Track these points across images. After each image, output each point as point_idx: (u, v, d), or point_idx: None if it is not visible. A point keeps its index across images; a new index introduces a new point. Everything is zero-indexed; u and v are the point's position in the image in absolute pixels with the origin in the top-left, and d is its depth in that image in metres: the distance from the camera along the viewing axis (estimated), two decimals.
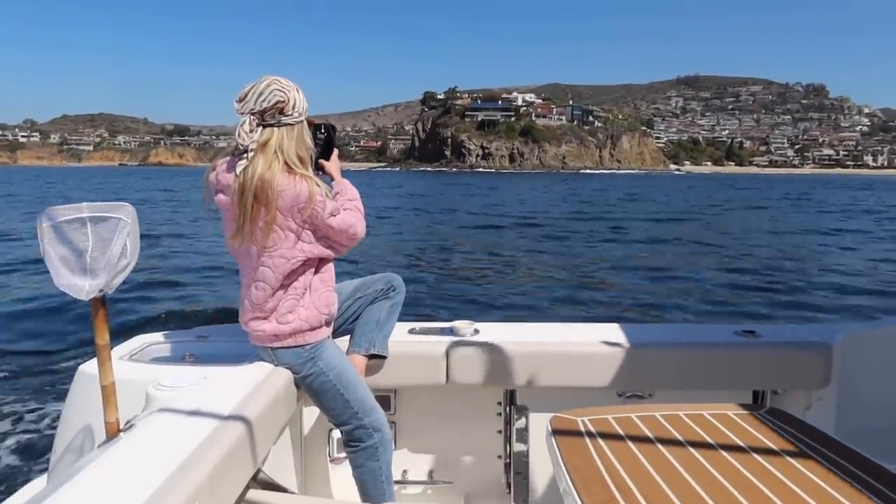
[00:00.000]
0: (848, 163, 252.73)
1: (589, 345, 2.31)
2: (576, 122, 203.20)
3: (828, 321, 8.12)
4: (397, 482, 2.36)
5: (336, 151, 2.14)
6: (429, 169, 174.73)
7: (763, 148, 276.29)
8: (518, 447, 2.38)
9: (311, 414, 2.38)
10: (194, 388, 1.76)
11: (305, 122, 1.94)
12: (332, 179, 2.13)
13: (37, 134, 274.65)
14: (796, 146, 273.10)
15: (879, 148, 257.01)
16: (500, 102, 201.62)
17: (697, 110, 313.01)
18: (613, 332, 2.42)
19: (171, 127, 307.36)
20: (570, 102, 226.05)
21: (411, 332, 2.42)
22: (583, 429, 1.53)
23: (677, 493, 1.23)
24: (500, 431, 2.46)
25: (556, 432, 1.51)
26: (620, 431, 1.51)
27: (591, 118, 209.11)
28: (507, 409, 2.42)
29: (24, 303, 8.86)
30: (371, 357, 2.23)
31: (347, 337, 2.27)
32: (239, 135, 1.84)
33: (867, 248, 16.93)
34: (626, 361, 2.26)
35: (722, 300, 9.76)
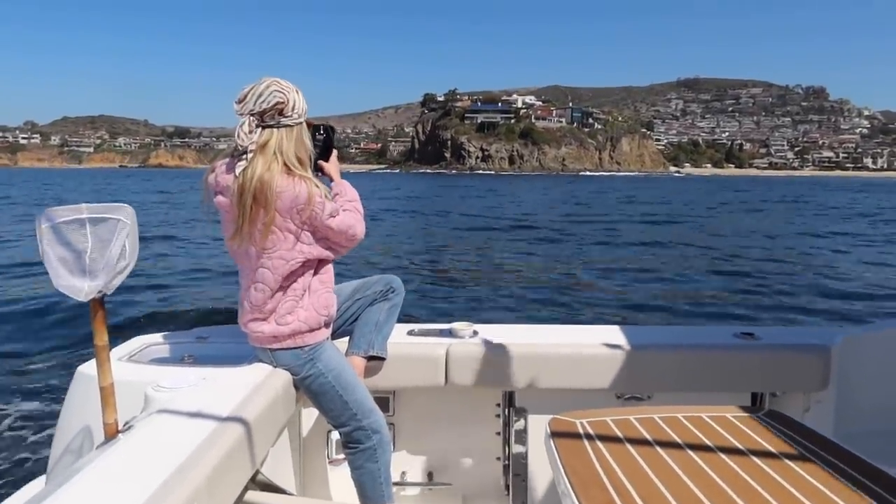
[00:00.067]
0: (848, 165, 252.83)
1: (588, 347, 2.31)
2: (575, 125, 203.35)
3: (827, 324, 8.12)
4: (396, 484, 2.36)
5: (335, 152, 2.14)
6: (428, 171, 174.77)
7: (763, 150, 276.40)
8: (517, 449, 2.38)
9: (310, 415, 2.38)
10: (193, 389, 1.76)
11: (305, 124, 1.94)
12: (332, 180, 2.13)
13: (37, 136, 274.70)
14: (796, 148, 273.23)
15: (879, 150, 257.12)
16: (499, 104, 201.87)
17: (697, 112, 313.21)
18: (612, 333, 2.42)
19: (171, 129, 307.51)
20: (570, 104, 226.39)
21: (410, 333, 2.42)
22: (581, 431, 1.53)
23: (675, 496, 1.23)
24: (498, 433, 2.46)
25: (555, 434, 1.51)
26: (619, 434, 1.51)
27: (590, 120, 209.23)
28: (506, 410, 2.42)
29: (22, 304, 8.86)
30: (370, 358, 2.23)
31: (346, 338, 2.27)
32: (238, 136, 1.84)
33: (867, 250, 16.94)
34: (625, 363, 2.26)
35: (721, 302, 9.76)
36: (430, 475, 2.47)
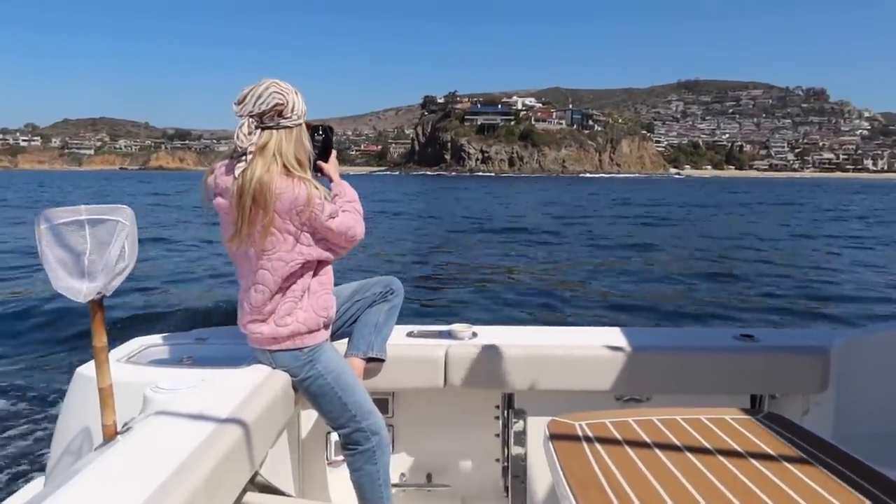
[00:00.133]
0: (848, 167, 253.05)
1: (587, 348, 2.31)
2: (575, 126, 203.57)
3: (826, 326, 8.12)
4: (395, 485, 2.36)
5: (334, 153, 2.14)
6: (429, 173, 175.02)
7: (763, 152, 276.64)
8: (516, 451, 2.38)
9: (309, 417, 2.37)
10: (192, 390, 1.76)
11: (304, 125, 1.94)
12: (331, 181, 2.13)
13: (38, 138, 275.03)
14: (796, 150, 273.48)
15: (879, 152, 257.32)
16: (499, 106, 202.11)
17: (698, 114, 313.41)
18: (611, 335, 2.41)
19: (172, 131, 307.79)
20: (571, 106, 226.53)
21: (409, 335, 2.42)
22: (580, 433, 1.52)
23: (674, 498, 1.23)
24: (497, 435, 2.46)
25: (554, 436, 1.51)
26: (618, 436, 1.51)
27: (590, 122, 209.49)
28: (505, 412, 2.42)
29: (20, 305, 8.86)
30: (369, 360, 2.22)
31: (346, 340, 2.27)
32: (237, 137, 1.84)
33: (866, 252, 16.94)
34: (625, 365, 2.26)
35: (720, 304, 9.75)
36: (429, 477, 2.47)
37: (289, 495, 2.01)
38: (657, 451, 1.43)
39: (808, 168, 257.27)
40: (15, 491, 2.17)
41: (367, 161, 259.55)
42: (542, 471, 2.31)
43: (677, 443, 1.47)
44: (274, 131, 1.85)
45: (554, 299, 9.94)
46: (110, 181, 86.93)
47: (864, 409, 2.32)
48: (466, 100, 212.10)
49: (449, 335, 2.40)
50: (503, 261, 14.51)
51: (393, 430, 2.41)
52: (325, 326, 2.05)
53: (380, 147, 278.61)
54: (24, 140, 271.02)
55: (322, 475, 2.42)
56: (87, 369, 2.04)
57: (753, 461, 1.38)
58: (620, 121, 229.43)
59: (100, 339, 1.60)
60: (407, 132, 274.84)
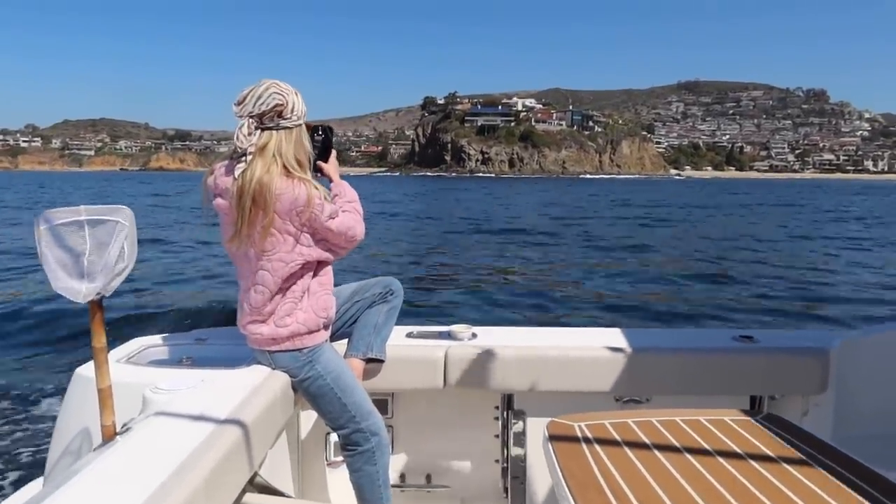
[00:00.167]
0: (848, 168, 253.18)
1: (587, 349, 2.31)
2: (575, 127, 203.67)
3: (825, 327, 8.12)
4: (394, 486, 2.35)
5: (334, 153, 2.13)
6: (429, 174, 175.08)
7: (764, 153, 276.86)
8: (515, 451, 2.38)
9: (309, 418, 2.37)
10: (191, 391, 1.76)
11: (304, 126, 1.94)
12: (331, 181, 2.13)
13: (38, 139, 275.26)
14: (797, 151, 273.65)
15: (880, 153, 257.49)
16: (499, 107, 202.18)
17: (698, 115, 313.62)
18: (611, 336, 2.41)
19: (172, 132, 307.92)
20: (571, 107, 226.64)
21: (409, 335, 2.42)
22: (579, 434, 1.52)
23: (673, 499, 1.23)
24: (497, 436, 2.46)
25: (553, 437, 1.51)
26: (617, 437, 1.51)
27: (590, 123, 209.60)
28: (505, 413, 2.42)
29: (19, 305, 8.87)
30: (369, 361, 2.22)
31: (345, 341, 2.27)
32: (237, 138, 1.84)
33: (866, 253, 16.94)
34: (624, 366, 2.26)
35: (719, 305, 9.75)
36: (428, 477, 2.47)
37: (288, 496, 2.01)
38: (656, 452, 1.43)
39: (808, 169, 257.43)
40: (14, 491, 2.17)
41: (367, 162, 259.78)
42: (541, 472, 2.31)
43: (676, 444, 1.47)
44: (274, 132, 1.85)
45: (553, 300, 9.94)
46: (110, 182, 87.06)
47: (863, 410, 2.32)
48: (466, 101, 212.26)
49: (448, 336, 2.39)
50: (502, 262, 14.52)
51: (392, 431, 2.41)
52: (325, 327, 2.05)
53: (380, 148, 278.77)
54: (24, 141, 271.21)
55: (321, 476, 2.42)
56: (87, 370, 2.04)
57: (752, 462, 1.38)
58: (621, 122, 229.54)
59: (99, 339, 1.60)
60: (407, 133, 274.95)
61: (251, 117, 1.84)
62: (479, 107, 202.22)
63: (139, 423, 1.62)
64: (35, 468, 3.93)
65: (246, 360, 2.04)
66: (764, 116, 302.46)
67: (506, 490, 2.41)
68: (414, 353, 2.30)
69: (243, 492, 1.65)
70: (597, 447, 1.45)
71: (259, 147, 1.83)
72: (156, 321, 7.89)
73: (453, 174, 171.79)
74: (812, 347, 2.31)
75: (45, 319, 7.98)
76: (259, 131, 1.85)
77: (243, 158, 1.84)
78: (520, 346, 2.32)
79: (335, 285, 2.14)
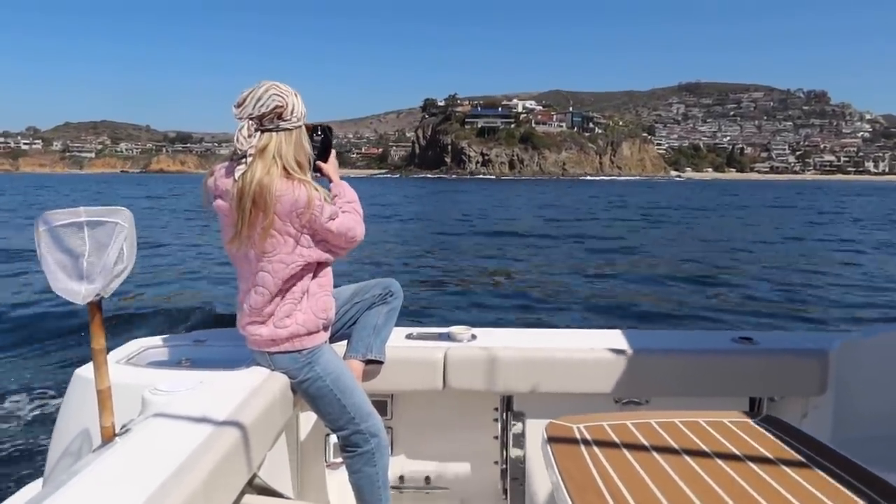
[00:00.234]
0: (849, 169, 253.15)
1: (586, 351, 2.31)
2: (576, 129, 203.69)
3: (825, 328, 8.11)
4: (394, 488, 2.35)
5: (333, 153, 2.13)
6: (429, 175, 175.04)
7: (764, 154, 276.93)
8: (515, 453, 2.38)
9: (308, 419, 2.37)
10: (190, 392, 1.76)
11: (304, 127, 1.94)
12: (330, 181, 2.13)
13: (39, 141, 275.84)
14: (798, 152, 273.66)
15: (881, 154, 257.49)
16: (500, 109, 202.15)
17: (699, 117, 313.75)
18: (611, 338, 2.41)
19: (173, 134, 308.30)
20: (572, 109, 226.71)
21: (409, 337, 2.42)
22: (578, 436, 1.52)
23: (671, 501, 1.23)
24: (496, 437, 2.46)
25: (552, 439, 1.51)
26: (615, 439, 1.51)
27: (591, 125, 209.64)
28: (504, 414, 2.42)
29: (19, 306, 8.88)
30: (368, 362, 2.22)
31: (345, 342, 2.27)
32: (237, 140, 1.84)
33: (866, 255, 16.93)
34: (624, 368, 2.26)
35: (718, 307, 9.75)
36: (427, 479, 2.47)
37: (287, 497, 2.01)
38: (655, 454, 1.43)
39: (809, 170, 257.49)
40: (13, 492, 2.17)
41: (367, 164, 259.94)
42: (540, 473, 2.31)
43: (675, 446, 1.47)
44: (274, 134, 1.86)
45: (551, 301, 9.95)
46: (111, 185, 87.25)
47: (862, 411, 2.32)
48: (467, 102, 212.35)
49: (448, 337, 2.40)
50: (501, 264, 14.54)
51: (392, 433, 2.41)
52: (325, 328, 2.05)
53: (381, 150, 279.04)
54: (25, 143, 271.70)
55: (321, 477, 2.42)
56: (86, 371, 2.04)
57: (751, 464, 1.38)
58: (621, 123, 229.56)
59: (98, 340, 1.60)
60: (408, 135, 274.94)
61: (251, 119, 1.84)
62: (480, 108, 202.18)
63: (138, 424, 1.62)
64: (34, 469, 3.93)
65: (245, 362, 2.04)
66: (765, 118, 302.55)
67: (505, 492, 2.41)
68: (413, 354, 2.30)
69: (242, 493, 1.65)
70: (595, 449, 1.45)
71: (259, 149, 1.84)
72: (155, 322, 7.89)
73: (453, 176, 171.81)
74: (811, 349, 2.31)
75: (45, 320, 7.98)
76: (259, 133, 1.85)
77: (243, 160, 1.84)
78: (519, 347, 2.32)
79: (334, 286, 2.14)
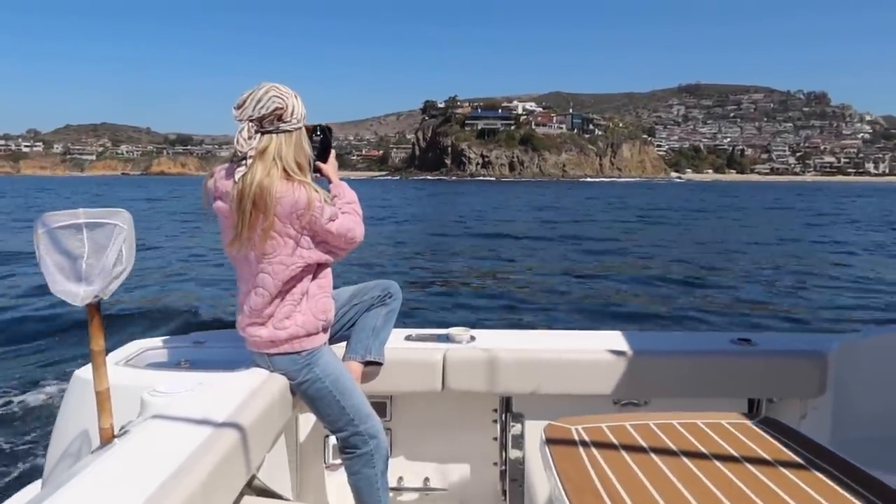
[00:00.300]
0: (849, 170, 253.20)
1: (585, 352, 2.31)
2: (576, 131, 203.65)
3: (823, 330, 8.11)
4: (393, 489, 2.35)
5: (333, 153, 2.14)
6: (429, 177, 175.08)
7: (765, 156, 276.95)
8: (514, 454, 2.38)
9: (307, 420, 2.37)
10: (189, 394, 1.76)
11: (304, 129, 1.94)
12: (330, 182, 2.14)
13: (40, 144, 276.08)
14: (798, 154, 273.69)
15: (881, 155, 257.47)
16: (499, 111, 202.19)
17: (699, 118, 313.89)
18: (610, 339, 2.42)
19: (174, 136, 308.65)
20: (572, 111, 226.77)
21: (408, 338, 2.42)
22: (576, 437, 1.53)
23: (669, 503, 1.24)
24: (495, 438, 2.46)
25: (550, 441, 1.51)
26: (614, 440, 1.51)
27: (591, 126, 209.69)
28: (503, 416, 2.42)
29: (19, 308, 8.88)
30: (367, 364, 2.23)
31: (344, 343, 2.27)
32: (237, 142, 1.85)
33: (865, 256, 16.92)
34: (622, 369, 2.26)
35: (717, 308, 9.75)
36: (426, 480, 2.47)
37: (286, 499, 2.01)
38: (653, 455, 1.43)
39: (809, 172, 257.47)
40: (12, 494, 2.17)
41: (368, 166, 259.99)
42: (539, 474, 2.30)
43: (673, 447, 1.47)
44: (274, 135, 1.86)
45: (550, 303, 9.96)
46: (110, 187, 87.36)
47: (861, 413, 2.32)
48: (467, 104, 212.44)
49: (447, 339, 2.40)
50: (501, 265, 14.56)
51: (391, 434, 2.41)
52: (324, 330, 2.05)
53: (381, 152, 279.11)
54: (26, 146, 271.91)
55: (320, 479, 2.42)
56: (85, 372, 2.05)
57: (749, 466, 1.38)
58: (621, 125, 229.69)
59: (97, 342, 1.60)
60: (408, 137, 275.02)
61: (251, 121, 1.85)
62: (480, 110, 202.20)
63: (137, 425, 1.62)
64: (34, 471, 3.94)
65: (244, 363, 2.05)
66: (765, 119, 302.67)
67: (504, 493, 2.41)
68: (412, 355, 2.30)
69: (241, 495, 1.65)
70: (594, 450, 1.45)
71: (259, 150, 1.84)
72: (156, 324, 7.90)
73: (453, 178, 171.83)
74: (810, 350, 2.31)
75: (44, 322, 7.99)
76: (259, 135, 1.85)
77: (244, 162, 1.85)
78: (518, 348, 2.32)
79: (334, 288, 2.14)
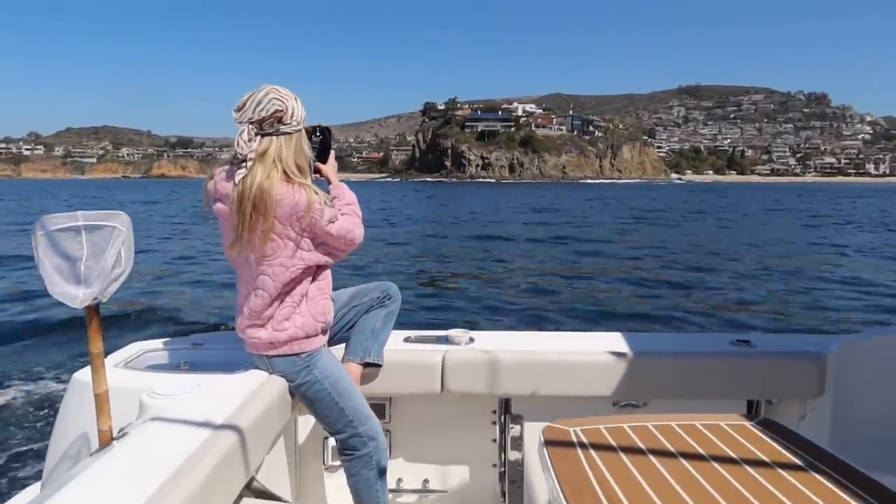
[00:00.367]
0: (850, 171, 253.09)
1: (584, 354, 2.31)
2: (576, 132, 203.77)
3: (823, 331, 8.10)
4: (392, 490, 2.35)
5: (332, 154, 2.14)
6: (429, 179, 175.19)
7: (765, 157, 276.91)
8: (513, 456, 2.38)
9: (306, 422, 2.37)
10: (188, 395, 1.76)
11: (304, 131, 1.95)
12: (329, 183, 2.14)
13: (41, 147, 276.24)
14: (798, 155, 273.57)
15: (881, 156, 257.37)
16: (499, 113, 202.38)
17: (699, 119, 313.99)
18: (609, 340, 2.42)
19: (174, 139, 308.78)
20: (572, 112, 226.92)
21: (407, 340, 2.43)
22: (575, 439, 1.52)
23: None
24: (494, 440, 2.45)
25: (548, 442, 1.51)
26: (612, 442, 1.51)
27: (591, 128, 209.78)
28: (502, 417, 2.42)
29: (18, 310, 8.89)
30: (366, 365, 2.23)
31: (343, 345, 2.27)
32: (238, 144, 1.85)
33: (865, 256, 16.91)
34: (622, 370, 2.26)
35: (716, 309, 9.74)
36: (425, 482, 2.46)
37: (285, 501, 2.01)
38: (651, 457, 1.43)
39: (809, 173, 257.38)
40: (11, 496, 2.17)
41: (368, 168, 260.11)
42: (539, 476, 2.30)
43: (672, 449, 1.47)
44: (274, 138, 1.86)
45: (548, 305, 9.95)
46: (109, 190, 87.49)
47: (860, 414, 2.31)
48: (467, 106, 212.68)
49: (446, 340, 2.40)
50: (500, 266, 14.55)
51: (390, 436, 2.41)
52: (323, 332, 2.05)
53: (381, 154, 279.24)
54: (27, 149, 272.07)
55: (319, 480, 2.42)
56: (84, 375, 2.05)
57: (748, 468, 1.38)
58: (621, 126, 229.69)
59: (96, 344, 1.60)
60: (409, 139, 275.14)
61: (251, 123, 1.85)
62: (480, 112, 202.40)
63: (136, 427, 1.62)
64: (33, 473, 3.94)
65: (243, 365, 2.05)
66: (765, 120, 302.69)
67: (503, 494, 2.41)
68: (411, 357, 2.30)
69: (240, 496, 1.65)
70: (592, 452, 1.45)
71: (259, 153, 1.84)
72: (153, 326, 7.90)
73: (454, 180, 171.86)
74: (809, 352, 2.31)
75: (43, 324, 7.99)
76: (259, 137, 1.86)
77: (244, 164, 1.85)
78: (517, 350, 2.32)
79: (333, 290, 2.14)
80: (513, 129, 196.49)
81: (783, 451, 1.45)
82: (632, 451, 1.46)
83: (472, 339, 2.41)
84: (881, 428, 2.25)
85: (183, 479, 1.32)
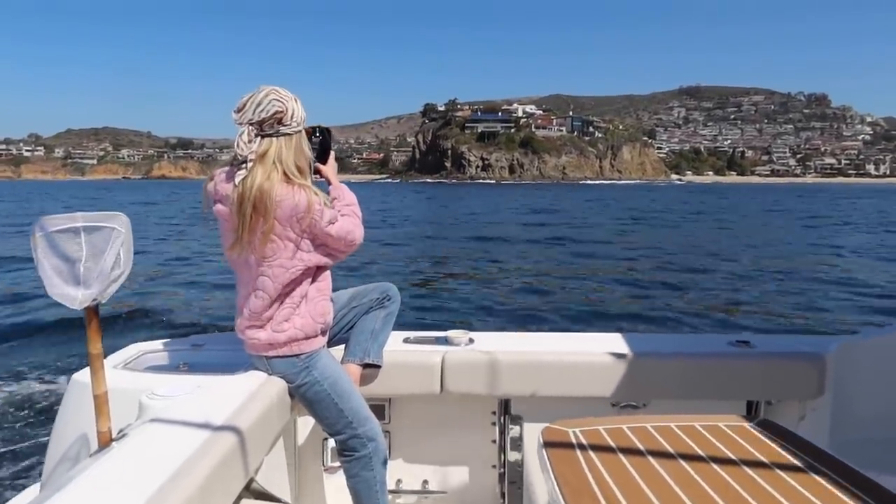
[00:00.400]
0: (850, 171, 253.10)
1: (584, 354, 2.31)
2: (576, 133, 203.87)
3: (822, 331, 8.10)
4: (391, 491, 2.35)
5: (332, 155, 2.14)
6: (429, 180, 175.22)
7: (765, 157, 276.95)
8: (512, 457, 2.38)
9: (306, 423, 2.37)
10: (188, 397, 1.76)
11: (304, 132, 1.95)
12: (329, 184, 2.14)
13: (41, 148, 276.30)
14: (798, 155, 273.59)
15: (882, 156, 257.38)
16: (499, 114, 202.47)
17: (699, 120, 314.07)
18: (608, 341, 2.42)
19: (174, 140, 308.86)
20: (572, 113, 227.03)
21: (406, 341, 2.43)
22: (574, 440, 1.52)
23: None
24: (494, 441, 2.45)
25: (547, 444, 1.51)
26: (611, 443, 1.51)
27: (591, 129, 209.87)
28: (502, 418, 2.42)
29: (18, 311, 8.89)
30: (366, 366, 2.23)
31: (342, 346, 2.28)
32: (238, 145, 1.85)
33: (864, 256, 16.90)
34: (621, 371, 2.26)
35: (715, 310, 9.74)
36: (425, 483, 2.46)
37: (285, 502, 2.01)
38: (650, 458, 1.43)
39: (810, 173, 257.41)
40: (11, 497, 2.17)
41: (368, 169, 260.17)
42: (538, 477, 2.30)
43: (671, 450, 1.47)
44: (274, 139, 1.86)
45: (547, 305, 9.96)
46: (109, 191, 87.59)
47: (860, 414, 2.31)
48: (467, 107, 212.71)
49: (445, 341, 2.40)
50: (499, 267, 14.56)
51: (389, 437, 2.41)
52: (323, 333, 2.05)
53: (382, 155, 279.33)
54: (27, 150, 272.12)
55: (318, 482, 2.42)
56: (83, 376, 2.05)
57: (746, 469, 1.38)
58: (621, 127, 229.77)
59: (95, 345, 1.60)
60: (409, 140, 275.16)
61: (251, 124, 1.85)
62: (480, 113, 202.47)
63: (135, 429, 1.62)
64: (32, 474, 3.94)
65: (243, 366, 2.05)
66: (765, 121, 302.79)
67: (503, 495, 2.41)
68: (411, 358, 2.30)
69: (239, 498, 1.65)
70: (591, 453, 1.45)
71: (259, 154, 1.85)
72: (153, 327, 7.91)
73: (453, 181, 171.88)
74: (808, 352, 2.31)
75: (42, 325, 7.99)
76: (259, 138, 1.86)
77: (244, 165, 1.85)
78: (517, 351, 2.32)
79: (332, 291, 2.15)
80: (513, 130, 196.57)
81: (782, 452, 1.45)
82: (631, 452, 1.46)
83: (471, 340, 2.41)
84: (881, 428, 2.25)
85: (182, 480, 1.32)
